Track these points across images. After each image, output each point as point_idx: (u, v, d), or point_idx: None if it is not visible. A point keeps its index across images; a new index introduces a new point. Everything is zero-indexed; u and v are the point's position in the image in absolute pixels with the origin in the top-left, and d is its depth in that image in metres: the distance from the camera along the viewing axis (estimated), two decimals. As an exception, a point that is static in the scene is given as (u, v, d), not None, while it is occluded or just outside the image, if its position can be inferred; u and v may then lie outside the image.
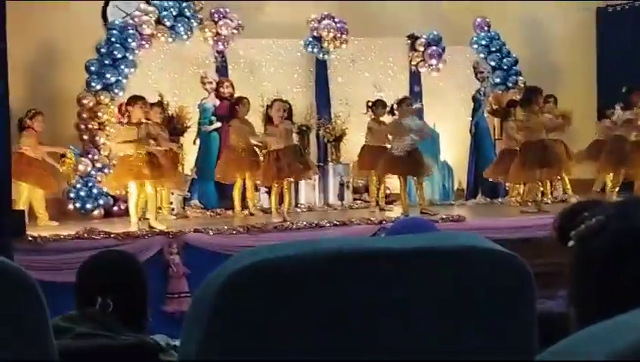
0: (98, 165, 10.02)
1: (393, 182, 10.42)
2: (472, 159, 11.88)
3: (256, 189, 10.12)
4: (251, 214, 9.70)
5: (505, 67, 12.14)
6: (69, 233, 7.85)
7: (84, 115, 10.09)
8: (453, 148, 11.89)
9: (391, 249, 1.38)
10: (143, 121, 8.84)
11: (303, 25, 11.28)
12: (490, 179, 11.12)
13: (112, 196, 9.92)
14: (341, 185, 11.10)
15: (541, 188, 10.16)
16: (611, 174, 10.61)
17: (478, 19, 12.10)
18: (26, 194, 9.07)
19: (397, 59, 12.04)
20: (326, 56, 11.54)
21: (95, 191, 9.95)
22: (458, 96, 12.02)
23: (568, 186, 10.97)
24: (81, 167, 9.96)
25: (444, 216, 8.87)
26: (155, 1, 10.59)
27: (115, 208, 10.03)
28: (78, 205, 9.92)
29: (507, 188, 11.25)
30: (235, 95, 10.28)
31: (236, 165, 9.56)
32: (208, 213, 10.16)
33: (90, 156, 10.03)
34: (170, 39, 10.56)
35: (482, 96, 11.89)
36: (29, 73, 9.68)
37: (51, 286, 7.21)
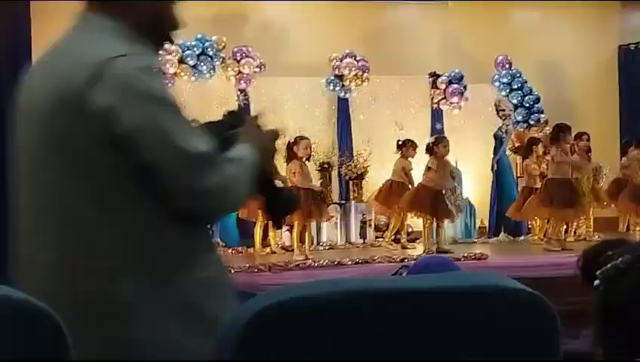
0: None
1: (414, 220, 10.39)
2: (494, 197, 11.85)
3: (279, 227, 10.10)
4: (273, 252, 9.69)
5: (527, 105, 12.11)
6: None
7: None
8: (475, 186, 11.87)
9: (412, 288, 1.39)
10: None
11: (324, 63, 11.33)
12: (514, 219, 11.05)
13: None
14: (363, 223, 11.08)
15: (564, 226, 10.09)
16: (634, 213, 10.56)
17: (500, 57, 12.10)
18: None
19: (418, 97, 12.05)
20: (347, 94, 11.58)
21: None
22: (480, 134, 12.00)
23: (591, 224, 10.91)
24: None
25: (465, 254, 8.81)
26: (178, 41, 10.68)
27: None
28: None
29: (530, 227, 11.18)
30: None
31: (260, 203, 9.54)
32: (230, 250, 10.16)
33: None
34: (192, 78, 10.64)
35: (504, 134, 11.87)
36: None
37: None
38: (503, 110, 11.98)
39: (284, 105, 11.43)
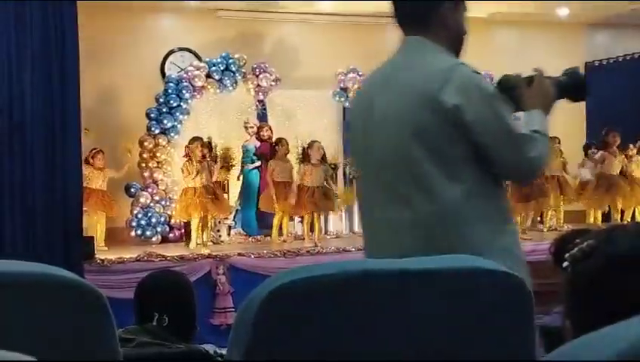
0: (156, 198, 10.09)
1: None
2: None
3: (291, 219, 10.14)
4: (284, 241, 9.71)
5: (506, 113, 12.09)
6: (131, 256, 7.91)
7: (145, 155, 10.18)
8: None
9: (407, 269, 1.38)
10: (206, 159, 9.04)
11: (331, 77, 11.33)
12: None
13: (169, 224, 9.97)
14: (364, 215, 11.07)
15: (538, 217, 10.08)
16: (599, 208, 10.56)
17: (483, 72, 12.00)
18: (93, 222, 9.16)
19: (412, 106, 12.02)
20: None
21: (154, 220, 10.01)
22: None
23: (561, 217, 10.91)
24: (142, 200, 10.03)
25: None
26: (205, 58, 10.72)
27: (171, 235, 10.08)
28: (139, 232, 9.97)
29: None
30: (273, 138, 10.34)
31: (281, 197, 9.57)
32: (250, 239, 10.18)
33: (149, 190, 10.10)
34: (218, 90, 10.65)
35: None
36: (93, 117, 9.74)
37: (116, 301, 7.27)
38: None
39: (296, 115, 11.45)
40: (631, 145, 10.88)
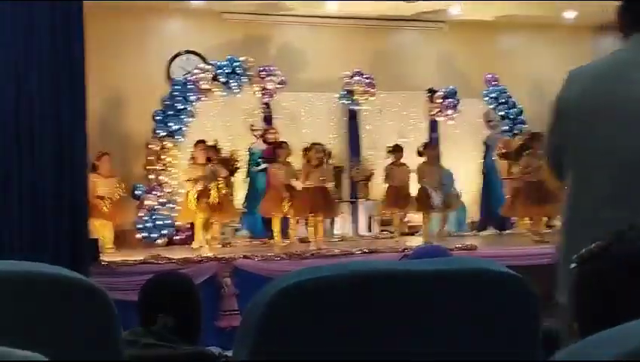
0: (162, 200, 10.09)
1: (413, 215, 10.40)
2: (483, 196, 11.81)
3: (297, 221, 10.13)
4: (287, 244, 9.70)
5: (511, 116, 12.10)
6: (137, 258, 7.91)
7: (151, 158, 10.19)
8: (467, 187, 11.82)
9: (414, 271, 1.37)
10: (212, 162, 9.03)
11: (337, 80, 11.33)
12: (503, 215, 11.03)
13: (174, 226, 9.97)
14: (370, 218, 11.09)
15: (546, 221, 10.04)
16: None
17: (488, 75, 12.08)
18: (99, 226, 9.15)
19: (418, 109, 12.02)
20: (357, 107, 11.56)
21: (159, 222, 10.01)
22: (471, 142, 11.97)
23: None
24: (147, 202, 10.03)
25: (458, 245, 8.80)
26: (211, 61, 10.72)
27: (176, 237, 10.08)
28: (144, 235, 9.97)
29: (513, 222, 11.15)
30: (279, 141, 10.33)
31: (276, 203, 9.56)
32: (254, 241, 10.17)
33: (155, 193, 10.10)
34: (224, 93, 10.65)
35: (492, 142, 11.84)
36: (99, 120, 9.76)
37: (121, 303, 7.26)
38: (491, 121, 11.97)
39: (302, 117, 11.46)
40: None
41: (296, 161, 9.77)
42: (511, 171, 11.11)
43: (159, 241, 9.96)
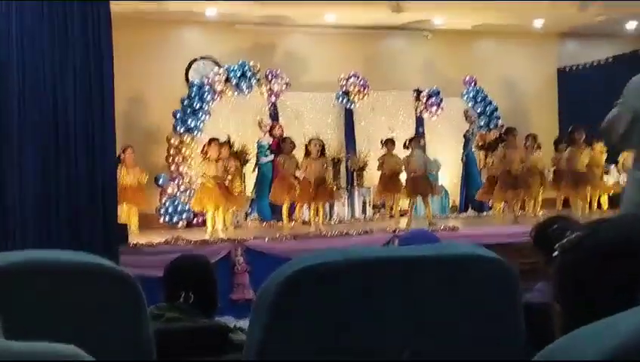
0: (182, 188, 10.08)
1: (402, 200, 10.38)
2: (463, 183, 11.80)
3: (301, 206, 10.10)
4: (293, 225, 9.67)
5: (488, 113, 12.06)
6: (160, 240, 7.89)
7: (172, 151, 10.17)
8: (449, 175, 11.81)
9: (404, 256, 1.35)
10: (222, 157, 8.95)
11: (334, 82, 11.30)
12: (479, 199, 11.03)
13: (193, 211, 9.95)
14: (364, 203, 11.08)
15: (519, 204, 10.01)
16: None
17: (467, 77, 12.05)
18: (126, 213, 9.13)
19: (406, 107, 11.98)
20: (352, 106, 11.52)
21: (180, 207, 10.00)
22: (452, 135, 11.94)
23: (539, 204, 10.86)
24: (169, 190, 10.02)
25: (442, 227, 8.78)
26: (224, 65, 10.69)
27: (195, 221, 10.05)
28: (167, 219, 9.96)
29: (490, 205, 11.14)
30: (284, 135, 10.30)
31: (285, 190, 9.53)
32: (264, 224, 10.15)
33: (176, 181, 10.09)
34: (235, 93, 10.63)
35: (471, 135, 11.82)
36: (124, 118, 9.70)
37: (148, 279, 7.25)
38: (470, 117, 11.94)
39: (304, 115, 11.41)
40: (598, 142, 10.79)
41: (299, 153, 9.73)
42: (487, 161, 11.11)
43: (179, 224, 9.95)
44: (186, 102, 10.28)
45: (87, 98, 7.03)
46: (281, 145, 9.81)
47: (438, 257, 1.37)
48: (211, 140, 9.01)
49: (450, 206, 11.69)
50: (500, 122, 11.94)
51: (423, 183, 9.41)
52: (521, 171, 9.51)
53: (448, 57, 12.12)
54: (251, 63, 10.62)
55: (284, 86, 10.89)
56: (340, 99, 11.43)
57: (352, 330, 1.29)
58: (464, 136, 11.84)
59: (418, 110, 11.90)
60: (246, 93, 10.66)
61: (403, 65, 11.94)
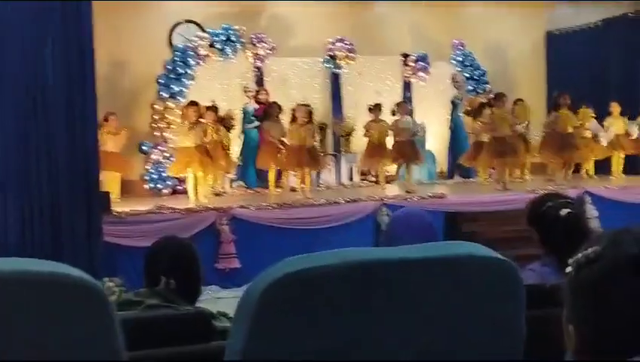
0: (166, 155, 9.93)
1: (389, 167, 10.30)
2: (450, 148, 11.72)
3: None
4: (280, 191, 9.55)
5: (476, 78, 11.97)
6: (144, 208, 7.73)
7: (156, 117, 10.00)
8: (436, 140, 11.72)
9: (400, 258, 1.24)
10: (203, 121, 8.73)
11: (321, 46, 11.13)
12: (463, 164, 10.97)
13: (178, 178, 9.80)
14: (351, 169, 10.99)
15: (505, 171, 9.90)
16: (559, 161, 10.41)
17: (455, 41, 11.91)
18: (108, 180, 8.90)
19: (393, 72, 11.85)
20: (339, 70, 11.37)
21: (164, 174, 9.86)
22: (440, 100, 11.83)
23: (526, 169, 10.83)
24: (153, 156, 9.87)
25: (430, 194, 8.69)
26: (208, 29, 10.49)
27: (180, 187, 9.91)
28: (151, 185, 9.83)
29: (477, 171, 11.06)
30: (270, 101, 10.15)
31: (272, 156, 9.39)
32: (249, 191, 10.04)
33: (160, 148, 9.94)
34: (220, 58, 10.45)
35: (458, 100, 11.72)
36: (107, 83, 9.44)
37: (131, 249, 7.13)
38: (458, 82, 11.85)
39: (290, 80, 11.26)
40: (587, 106, 10.71)
41: (286, 118, 9.58)
42: (473, 126, 11.01)
43: (165, 191, 9.82)
44: (169, 67, 10.08)
45: (66, 62, 6.83)
46: (268, 111, 9.63)
47: (437, 258, 1.26)
48: (189, 103, 8.70)
49: (437, 172, 11.62)
50: (488, 87, 11.82)
51: (409, 149, 9.31)
52: (510, 137, 9.40)
53: (436, 21, 11.96)
54: (236, 27, 10.42)
55: (270, 51, 10.71)
56: (327, 64, 11.27)
57: (343, 340, 1.18)
58: (452, 101, 11.73)
59: (405, 75, 11.76)
60: (231, 58, 10.48)
61: (390, 29, 11.75)
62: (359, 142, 10.71)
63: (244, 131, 10.41)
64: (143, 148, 9.97)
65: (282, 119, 9.51)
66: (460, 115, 11.67)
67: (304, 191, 8.85)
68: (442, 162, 11.80)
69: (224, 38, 10.35)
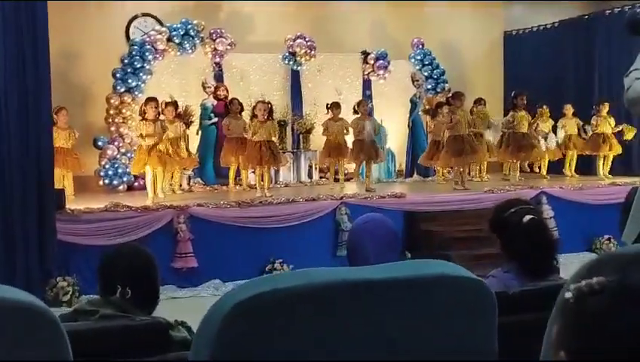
0: (122, 150, 9.74)
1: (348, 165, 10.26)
2: (409, 147, 11.74)
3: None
4: (240, 189, 9.45)
5: (435, 77, 11.98)
6: (99, 206, 7.54)
7: (112, 112, 9.80)
8: (395, 138, 11.72)
9: (372, 280, 1.19)
10: (161, 118, 8.57)
11: (281, 42, 11.03)
12: (421, 164, 11.00)
13: (133, 174, 9.62)
14: (310, 166, 10.93)
15: (464, 171, 9.95)
16: (514, 161, 10.51)
17: (415, 40, 11.92)
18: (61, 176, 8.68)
19: (353, 69, 11.81)
20: (299, 67, 11.29)
21: (120, 170, 9.67)
22: (399, 99, 11.84)
23: (484, 168, 10.90)
24: (108, 152, 9.67)
25: (389, 193, 8.68)
26: (167, 24, 10.32)
27: (136, 184, 9.75)
28: (106, 182, 9.64)
29: (435, 170, 11.10)
30: (229, 97, 10.03)
31: (235, 153, 9.29)
32: (207, 188, 9.91)
33: (116, 143, 9.74)
34: (178, 53, 10.28)
35: (418, 99, 11.74)
36: (60, 76, 9.18)
37: (85, 248, 6.97)
38: (417, 80, 11.87)
39: (249, 76, 11.15)
40: (544, 107, 10.84)
41: (245, 115, 9.48)
42: (430, 125, 11.06)
43: (120, 188, 9.64)
44: (126, 61, 9.88)
45: (18, 54, 6.63)
46: (228, 107, 9.52)
47: (403, 279, 1.22)
48: (148, 99, 8.53)
49: (396, 170, 11.63)
50: (447, 86, 11.87)
51: (369, 148, 9.28)
52: (468, 137, 9.45)
53: (396, 20, 11.97)
54: (195, 22, 10.26)
55: (229, 46, 10.59)
56: (286, 60, 11.18)
57: (309, 360, 1.13)
58: (411, 100, 11.75)
59: (365, 73, 11.74)
60: (189, 52, 10.33)
61: (351, 27, 11.72)
62: (318, 140, 10.65)
63: (202, 127, 10.27)
64: (98, 143, 9.76)
65: (241, 116, 9.42)
66: (420, 113, 11.70)
67: (263, 189, 8.76)
68: (401, 160, 11.82)
69: (182, 33, 10.18)
